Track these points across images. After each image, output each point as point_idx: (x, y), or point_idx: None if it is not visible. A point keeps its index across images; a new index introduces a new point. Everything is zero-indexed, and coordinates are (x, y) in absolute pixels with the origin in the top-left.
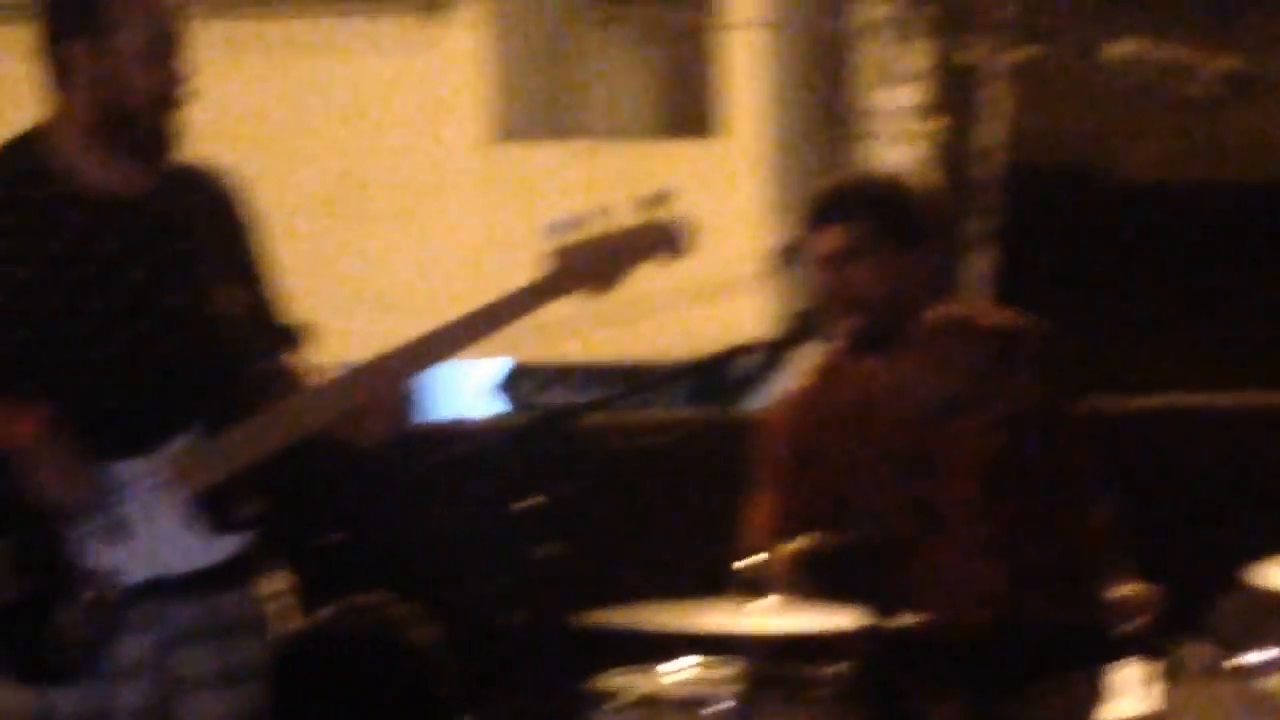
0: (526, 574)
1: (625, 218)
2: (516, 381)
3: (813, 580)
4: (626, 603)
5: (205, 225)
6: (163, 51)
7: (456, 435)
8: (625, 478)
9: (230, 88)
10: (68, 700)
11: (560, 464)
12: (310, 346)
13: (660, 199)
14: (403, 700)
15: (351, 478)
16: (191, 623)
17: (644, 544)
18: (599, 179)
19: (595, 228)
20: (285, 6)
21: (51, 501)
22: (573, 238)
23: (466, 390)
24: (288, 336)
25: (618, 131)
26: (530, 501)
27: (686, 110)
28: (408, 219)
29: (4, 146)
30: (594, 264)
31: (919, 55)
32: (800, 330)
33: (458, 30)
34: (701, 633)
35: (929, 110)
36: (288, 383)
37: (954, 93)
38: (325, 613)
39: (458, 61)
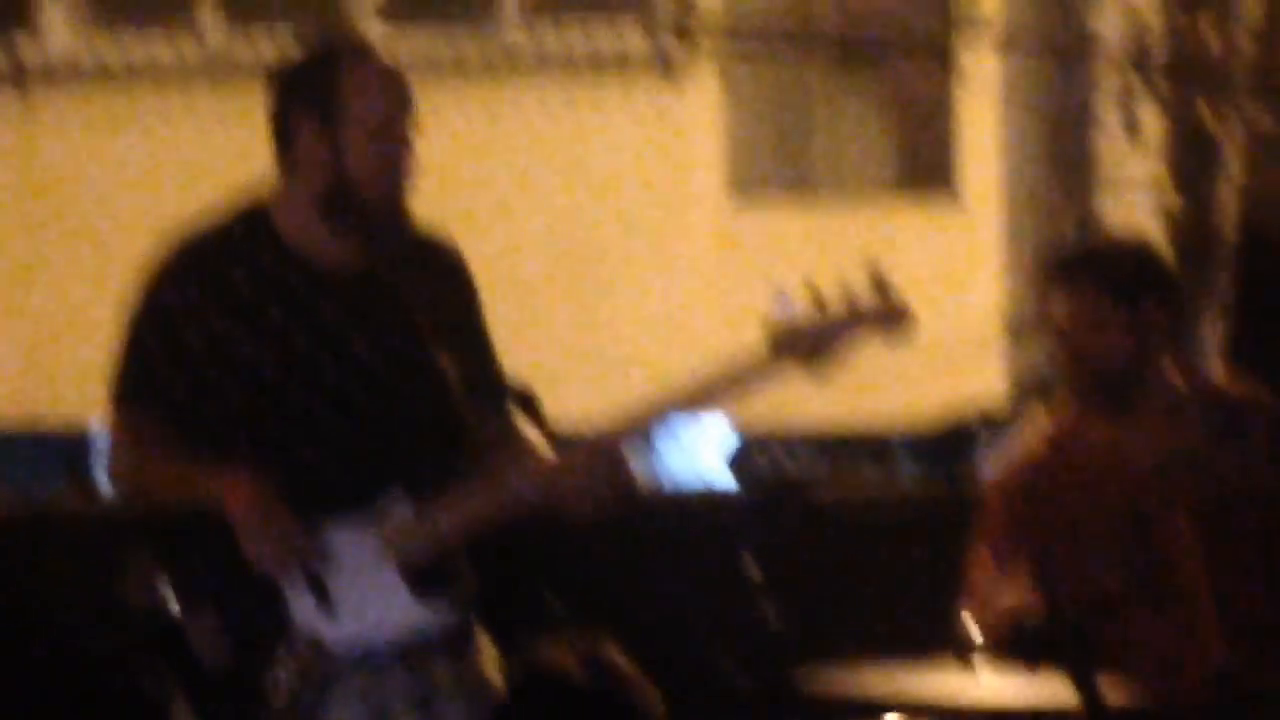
0: (753, 640)
1: (848, 296)
2: (744, 452)
3: (1028, 645)
4: (850, 667)
5: (427, 293)
6: (390, 133)
7: (684, 505)
8: (852, 546)
9: (461, 150)
10: None
11: (788, 532)
12: (540, 411)
13: (883, 278)
14: None
15: (575, 547)
16: (403, 691)
17: (867, 610)
18: (836, 238)
19: (816, 304)
20: (515, 71)
21: (261, 567)
22: (796, 317)
23: (694, 460)
24: (513, 402)
25: (854, 189)
26: (754, 570)
27: (923, 168)
28: (642, 281)
29: (234, 214)
30: (813, 342)
31: (1155, 118)
32: (1030, 395)
33: (692, 91)
34: (921, 698)
35: (1165, 173)
36: (508, 451)
37: (1190, 156)
38: (545, 650)
39: (693, 122)
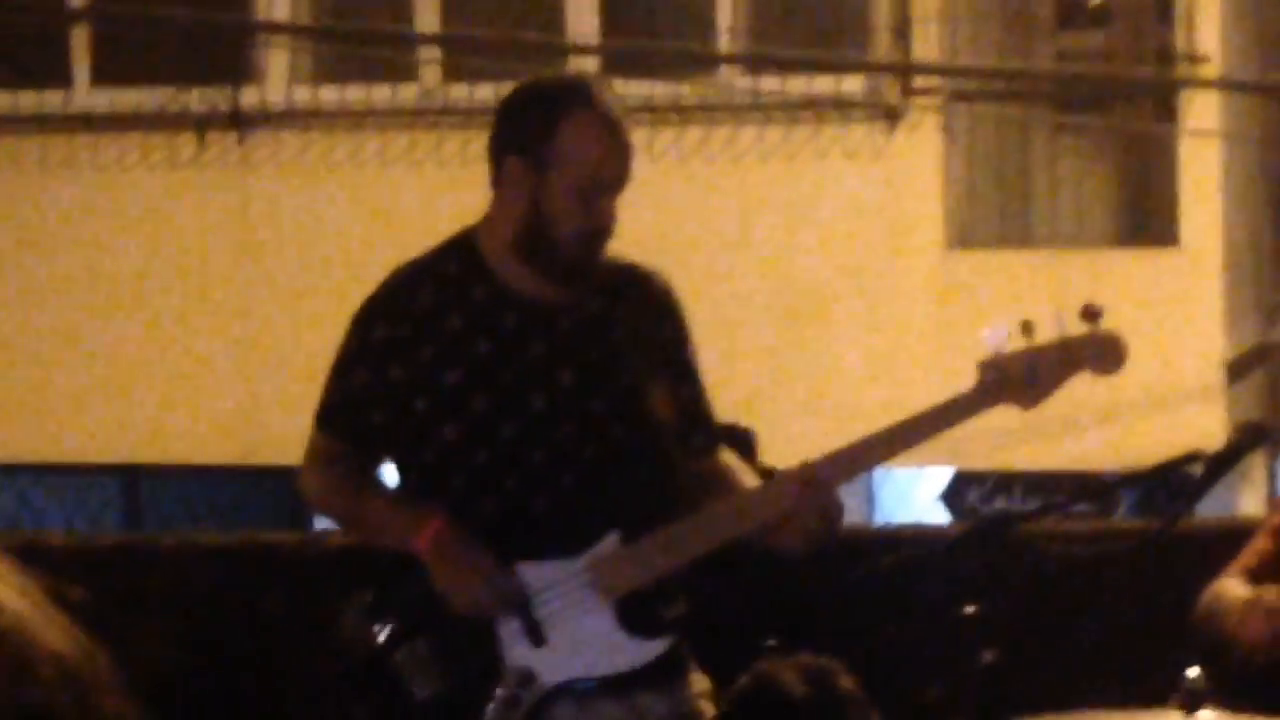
0: (968, 680)
1: (1060, 331)
2: (959, 489)
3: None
4: (1065, 710)
5: (635, 326)
6: (597, 193)
7: (899, 541)
8: (1064, 585)
9: (680, 194)
10: None
11: (1002, 571)
12: (755, 449)
13: (1094, 313)
14: None
15: (786, 582)
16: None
17: (1084, 652)
18: (1056, 288)
19: (1029, 341)
20: (733, 115)
21: (455, 608)
22: (1007, 350)
23: (910, 497)
24: (728, 439)
25: (1075, 240)
26: (972, 608)
27: (1144, 219)
28: (859, 326)
29: (444, 244)
30: (1025, 377)
31: None
32: (1250, 440)
33: (912, 138)
34: None
35: None
36: (717, 485)
37: None
38: (775, 667)
39: (913, 169)
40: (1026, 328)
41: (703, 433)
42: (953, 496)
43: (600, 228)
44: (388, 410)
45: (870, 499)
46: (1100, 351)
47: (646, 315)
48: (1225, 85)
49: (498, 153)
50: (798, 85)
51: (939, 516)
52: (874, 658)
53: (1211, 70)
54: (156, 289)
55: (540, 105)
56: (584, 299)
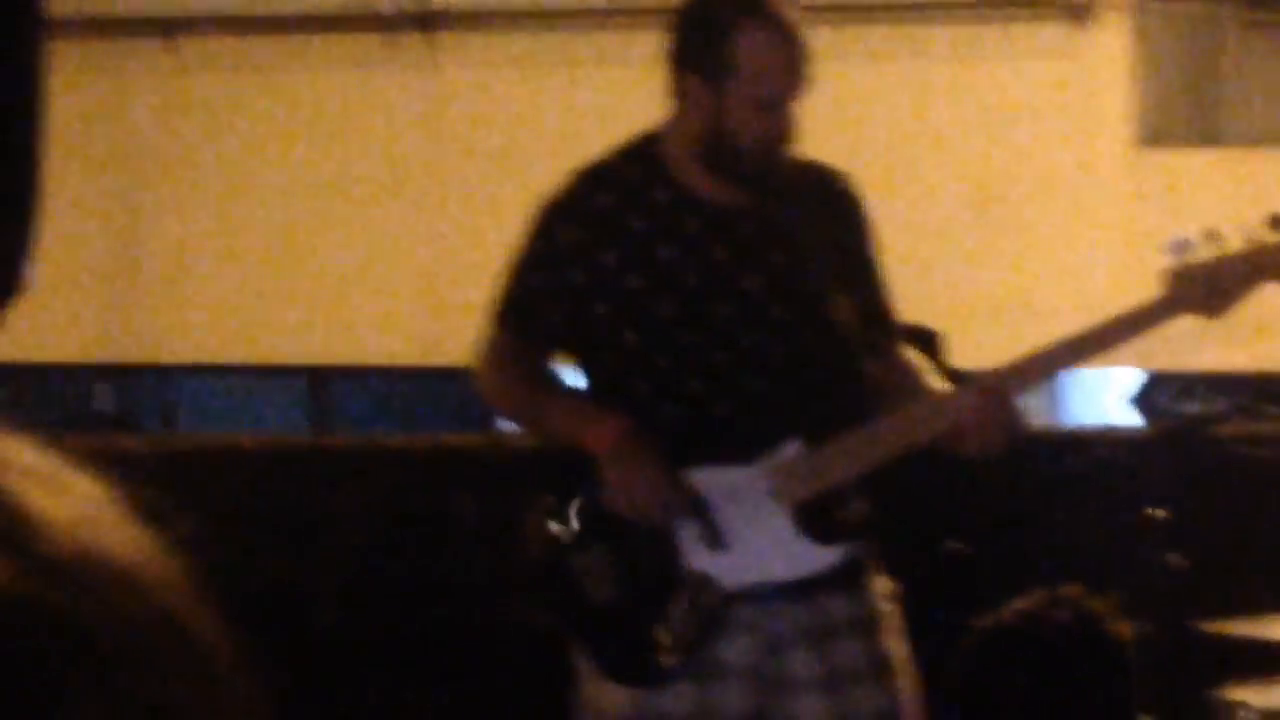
0: (1153, 582)
1: (1247, 239)
2: (1150, 392)
3: None
4: (1250, 614)
5: (819, 228)
6: (775, 103)
7: (1087, 443)
8: (1253, 487)
9: (868, 95)
10: (668, 702)
11: (1190, 474)
12: (941, 351)
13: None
14: (1101, 693)
15: (974, 484)
16: (795, 626)
17: (1269, 555)
18: (1246, 187)
19: (1215, 249)
20: (921, 14)
21: (628, 514)
22: (1192, 259)
23: (1101, 399)
24: (914, 341)
25: (1266, 139)
26: (1158, 510)
27: None
28: (1049, 226)
29: (625, 147)
30: (1210, 286)
31: None
32: None
33: (1102, 36)
34: None
35: None
36: (900, 387)
37: None
38: (1023, 603)
39: (1102, 67)
40: (1212, 235)
41: (884, 332)
42: (1143, 398)
43: (781, 135)
44: (568, 312)
45: (1058, 400)
46: None
47: (830, 216)
48: None
49: (674, 66)
50: None
51: (1128, 418)
52: (1059, 558)
53: None
54: (345, 190)
55: (712, 18)
56: (768, 203)
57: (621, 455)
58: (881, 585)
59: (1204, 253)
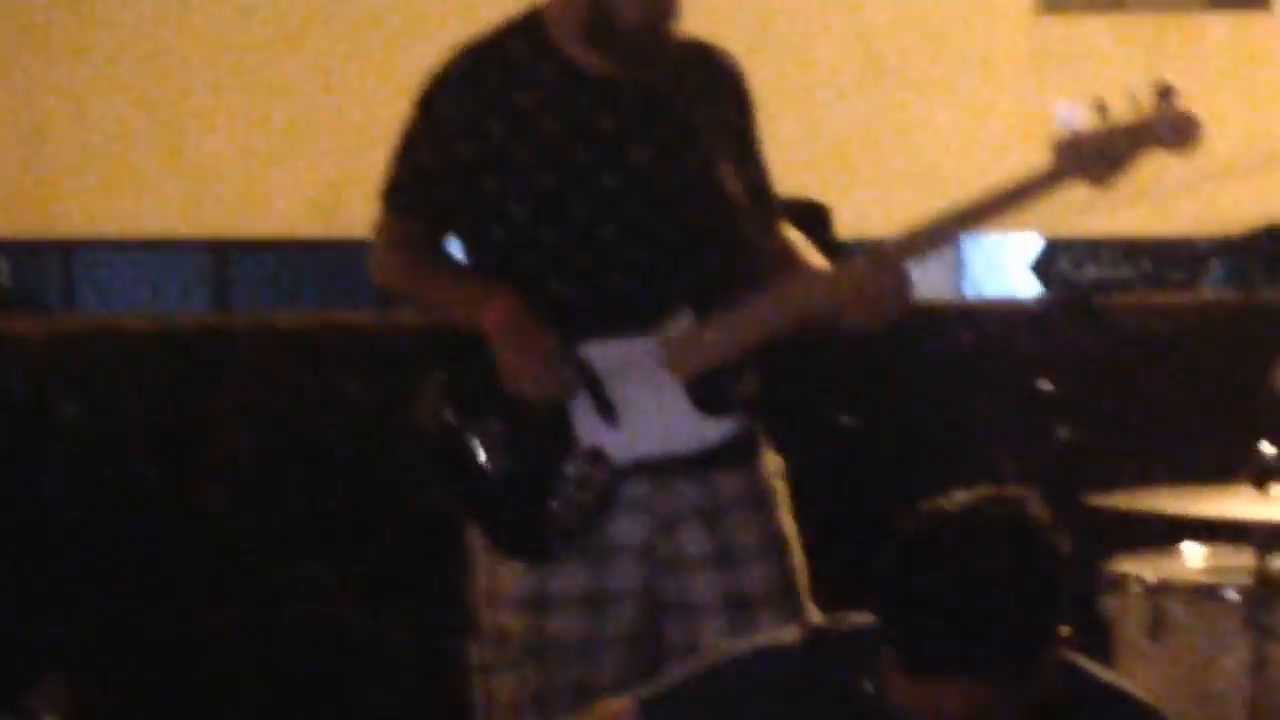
0: (1043, 454)
1: (1134, 107)
2: (1050, 259)
3: None
4: (1139, 487)
5: (705, 104)
6: None
7: (980, 315)
8: (1148, 359)
9: None
10: (562, 577)
11: (1084, 344)
12: (829, 223)
13: (1168, 91)
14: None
15: (865, 358)
16: (687, 503)
17: (1160, 427)
18: (1143, 52)
19: (1103, 118)
20: None
21: (518, 391)
22: (1080, 128)
23: (1003, 268)
24: (801, 214)
25: (1163, 5)
26: (1047, 383)
27: None
28: (946, 93)
29: (511, 22)
30: (1097, 155)
31: None
32: None
33: None
34: (1213, 519)
35: None
36: (786, 264)
37: None
38: (963, 496)
39: None
40: (1100, 105)
41: (769, 210)
42: (1042, 265)
43: (663, 10)
44: (456, 188)
45: (958, 268)
46: (1173, 129)
47: (715, 92)
48: None
49: None
50: None
51: (1029, 286)
52: (950, 431)
53: None
54: (242, 59)
55: None
56: (654, 77)
57: (511, 332)
58: (772, 461)
59: (1092, 121)
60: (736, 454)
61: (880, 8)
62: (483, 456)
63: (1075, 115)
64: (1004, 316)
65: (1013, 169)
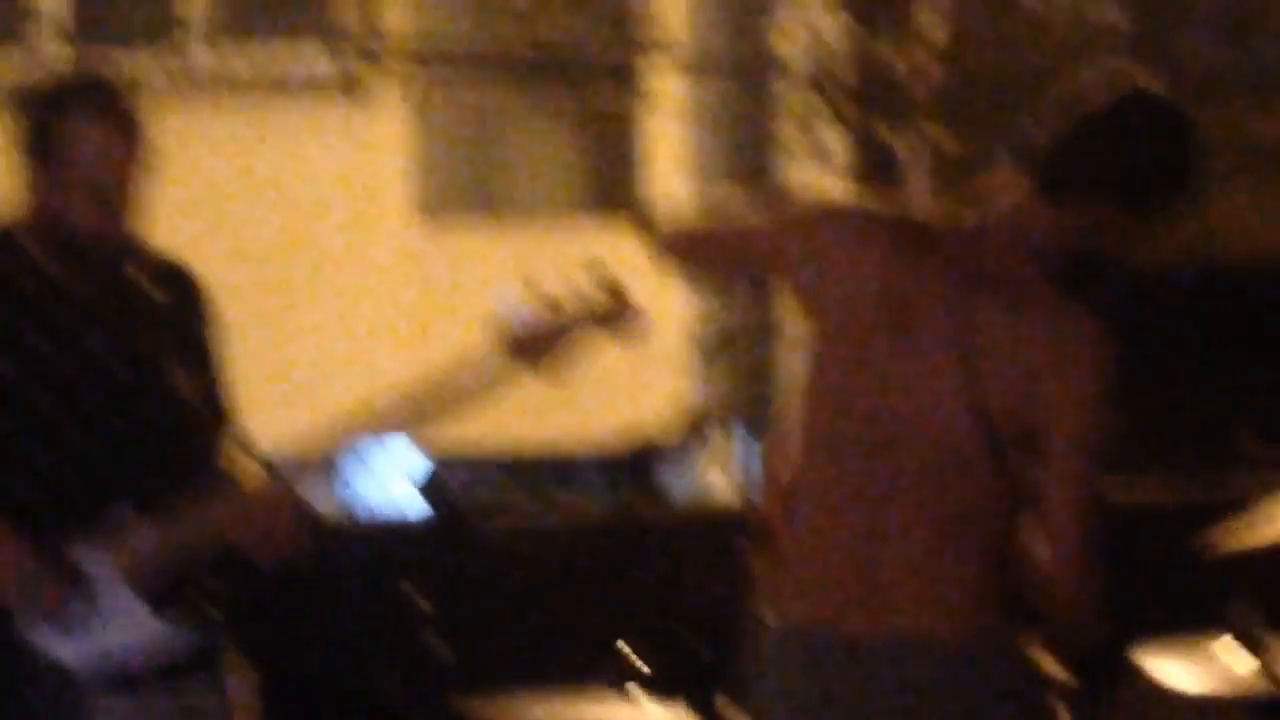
0: (419, 669)
1: (578, 296)
2: (435, 476)
3: None
4: (513, 696)
5: (165, 313)
6: (100, 177)
7: (361, 535)
8: (531, 570)
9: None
10: None
11: (465, 559)
12: (238, 432)
13: (612, 279)
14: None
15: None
16: (164, 713)
17: (536, 638)
18: (524, 255)
19: (548, 305)
20: (201, 90)
21: (23, 615)
22: (522, 315)
23: (386, 486)
24: (229, 422)
25: (542, 208)
26: (424, 599)
27: (609, 189)
28: (333, 303)
29: None
30: (546, 342)
31: (840, 139)
32: (701, 429)
33: (379, 112)
34: None
35: (849, 194)
36: (219, 476)
37: (874, 177)
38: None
39: (379, 143)
40: (543, 295)
41: (218, 418)
42: (429, 485)
43: (116, 215)
44: None
45: (347, 486)
46: (621, 319)
47: (175, 304)
48: (690, 66)
49: (17, 150)
50: (266, 62)
51: (414, 506)
52: (333, 648)
53: (675, 45)
54: None
55: (44, 107)
56: (115, 281)
57: (13, 569)
58: (245, 671)
59: (536, 308)
60: (207, 663)
61: (263, 222)
62: None
63: (513, 304)
64: (386, 534)
65: (403, 371)
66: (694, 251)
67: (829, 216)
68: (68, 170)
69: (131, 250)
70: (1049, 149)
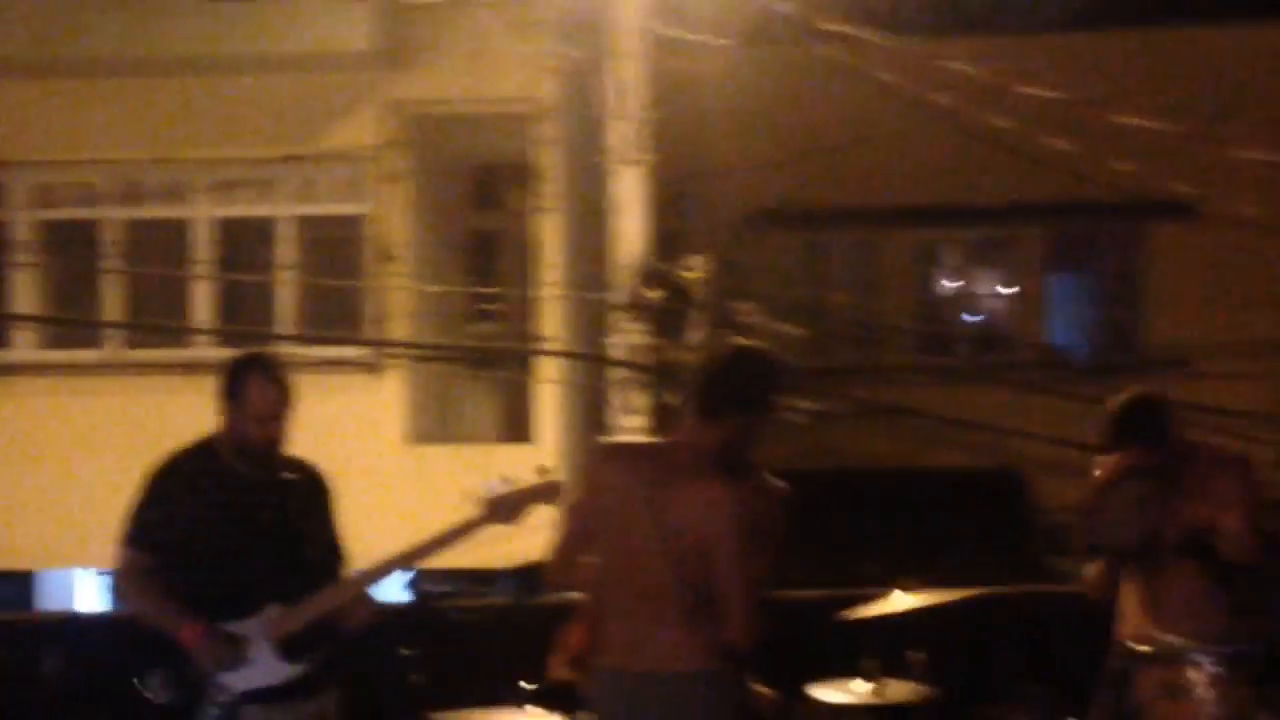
0: (406, 687)
1: (529, 480)
2: (417, 580)
3: None
4: (462, 708)
5: (303, 491)
6: (267, 415)
7: (383, 613)
8: (470, 639)
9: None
10: None
11: (429, 626)
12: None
13: (548, 470)
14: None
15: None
16: (280, 718)
17: (478, 672)
18: (472, 466)
19: (510, 486)
20: (294, 369)
21: (205, 670)
22: (498, 489)
23: (392, 587)
24: (342, 557)
25: (477, 437)
26: (410, 650)
27: (517, 425)
28: (353, 495)
29: (196, 445)
30: (509, 507)
31: (641, 398)
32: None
33: (387, 379)
34: None
35: (645, 429)
36: (342, 588)
37: (661, 418)
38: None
39: (387, 397)
40: (507, 479)
41: (338, 556)
42: (413, 584)
43: (276, 438)
44: (166, 537)
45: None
46: (549, 491)
47: (307, 487)
48: (560, 354)
49: (221, 395)
50: (323, 351)
51: (406, 595)
52: (368, 676)
53: (552, 348)
54: None
55: (237, 367)
56: (276, 474)
57: (201, 643)
58: (335, 694)
59: (503, 489)
60: (311, 688)
61: (315, 447)
62: (155, 694)
63: (493, 484)
64: (390, 612)
65: (395, 542)
66: (569, 575)
67: (605, 454)
68: (247, 407)
69: (281, 454)
70: (699, 391)
